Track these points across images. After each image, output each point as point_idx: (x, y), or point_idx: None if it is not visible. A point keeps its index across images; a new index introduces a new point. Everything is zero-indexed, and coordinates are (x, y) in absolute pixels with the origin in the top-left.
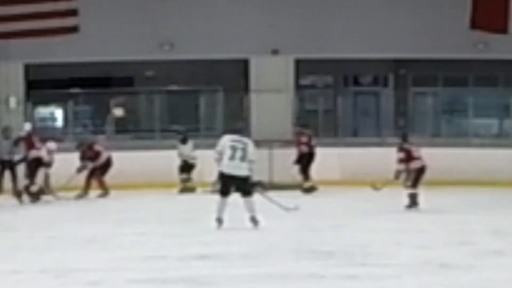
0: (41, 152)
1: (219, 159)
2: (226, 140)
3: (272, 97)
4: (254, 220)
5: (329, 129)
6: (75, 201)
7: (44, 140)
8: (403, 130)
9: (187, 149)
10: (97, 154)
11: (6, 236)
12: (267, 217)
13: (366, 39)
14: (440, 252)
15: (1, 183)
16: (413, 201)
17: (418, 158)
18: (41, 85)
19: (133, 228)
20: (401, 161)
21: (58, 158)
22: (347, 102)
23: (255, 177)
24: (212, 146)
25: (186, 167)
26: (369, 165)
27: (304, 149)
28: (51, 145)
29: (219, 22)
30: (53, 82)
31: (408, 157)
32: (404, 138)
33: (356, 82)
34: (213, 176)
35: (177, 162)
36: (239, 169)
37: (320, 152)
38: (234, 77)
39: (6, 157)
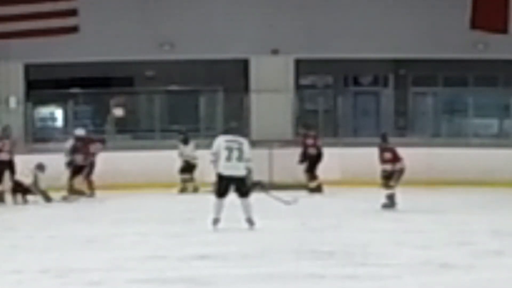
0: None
1: (215, 161)
2: (221, 141)
3: (272, 97)
4: (250, 221)
5: (329, 129)
6: (85, 201)
7: (87, 142)
8: (382, 131)
9: (189, 149)
10: (87, 154)
11: (6, 236)
12: (267, 217)
13: (366, 39)
14: (440, 252)
15: (1, 183)
16: (392, 201)
17: (401, 159)
18: (41, 85)
19: (133, 228)
20: (389, 161)
21: (58, 158)
22: (347, 102)
23: (255, 177)
24: (212, 146)
25: (188, 167)
26: (369, 165)
27: (312, 151)
28: (96, 146)
29: (219, 22)
30: (53, 82)
31: (395, 158)
32: (384, 139)
33: (356, 82)
34: (213, 176)
35: (178, 162)
36: (237, 170)
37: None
38: (234, 77)
39: (5, 157)
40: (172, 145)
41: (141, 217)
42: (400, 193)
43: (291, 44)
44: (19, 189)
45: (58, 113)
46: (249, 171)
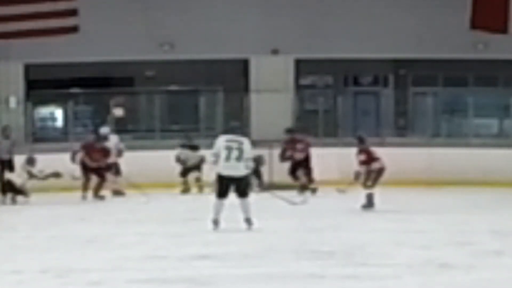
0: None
1: (215, 162)
2: (221, 141)
3: (272, 97)
4: (248, 222)
5: (329, 129)
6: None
7: (102, 140)
8: (358, 133)
9: (195, 157)
10: (106, 153)
11: (6, 236)
12: (267, 217)
13: (366, 39)
14: (440, 252)
15: (1, 182)
16: (370, 202)
17: (378, 159)
18: (41, 85)
19: (133, 228)
20: (362, 163)
21: (58, 158)
22: (347, 102)
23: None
24: (212, 146)
25: (188, 170)
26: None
27: (299, 156)
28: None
29: (219, 22)
30: (53, 82)
31: (369, 159)
32: (361, 141)
33: (356, 82)
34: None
35: (177, 167)
36: (237, 170)
37: (320, 152)
38: (234, 77)
39: (5, 156)
40: (172, 145)
41: (141, 217)
42: (400, 193)
43: (291, 44)
44: (8, 188)
45: (58, 113)
46: (256, 163)
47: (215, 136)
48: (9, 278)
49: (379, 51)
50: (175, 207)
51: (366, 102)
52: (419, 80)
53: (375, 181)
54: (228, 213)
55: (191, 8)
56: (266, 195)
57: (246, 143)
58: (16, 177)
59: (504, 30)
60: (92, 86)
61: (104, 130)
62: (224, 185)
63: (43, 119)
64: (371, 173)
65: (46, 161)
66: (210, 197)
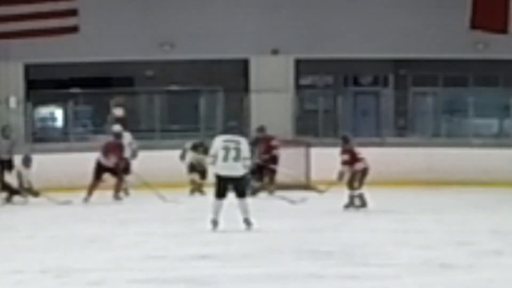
0: None
1: (214, 162)
2: (219, 141)
3: (272, 97)
4: (247, 222)
5: (329, 129)
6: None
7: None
8: (343, 133)
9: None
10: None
11: (6, 236)
12: (267, 217)
13: (366, 39)
14: (440, 252)
15: (1, 182)
16: (351, 202)
17: (361, 159)
18: (41, 85)
19: (133, 228)
20: (345, 163)
21: (59, 158)
22: (347, 102)
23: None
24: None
25: (197, 169)
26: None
27: (276, 152)
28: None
29: (219, 22)
30: (53, 82)
31: (352, 159)
32: (345, 141)
33: (356, 82)
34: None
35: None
36: (234, 170)
37: (320, 152)
38: (234, 77)
39: (5, 156)
40: (172, 145)
41: (141, 217)
42: (400, 193)
43: (291, 44)
44: (5, 188)
45: (58, 113)
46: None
47: (215, 136)
48: (9, 278)
49: (379, 51)
50: (175, 207)
51: (366, 102)
52: (419, 80)
53: (361, 182)
54: (228, 213)
55: (191, 8)
56: (264, 196)
57: (243, 143)
58: (12, 178)
59: (504, 30)
60: (92, 86)
61: (117, 127)
62: (222, 185)
63: (43, 119)
64: (356, 174)
65: (46, 161)
66: (210, 197)
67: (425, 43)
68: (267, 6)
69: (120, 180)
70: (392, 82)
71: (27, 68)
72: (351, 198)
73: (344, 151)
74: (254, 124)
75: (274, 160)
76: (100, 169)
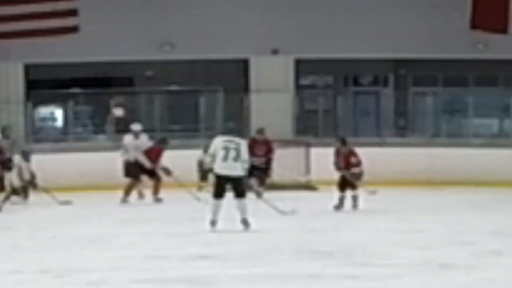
0: None
1: (212, 162)
2: (218, 142)
3: (272, 97)
4: (245, 223)
5: (329, 129)
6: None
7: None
8: (340, 134)
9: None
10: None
11: (6, 236)
12: (267, 217)
13: (366, 39)
14: (440, 252)
15: (1, 182)
16: (341, 203)
17: (358, 164)
18: (41, 85)
19: (133, 228)
20: (339, 168)
21: (58, 158)
22: (347, 102)
23: None
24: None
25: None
26: (369, 165)
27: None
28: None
29: (219, 22)
30: (53, 82)
31: (347, 164)
32: (343, 142)
33: (356, 82)
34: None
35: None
36: (234, 170)
37: (320, 152)
38: (234, 77)
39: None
40: (171, 145)
41: (141, 217)
42: (400, 193)
43: (291, 44)
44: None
45: (58, 113)
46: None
47: (215, 136)
48: (9, 278)
49: (379, 51)
50: (175, 207)
51: (366, 102)
52: (419, 80)
53: (353, 185)
54: (228, 213)
55: (191, 8)
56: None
57: (243, 144)
58: (14, 176)
59: (504, 30)
60: (92, 86)
61: (136, 126)
62: (220, 185)
63: (43, 119)
64: (353, 176)
65: (46, 161)
66: (210, 198)
67: (425, 43)
68: (267, 6)
69: (158, 181)
70: (392, 82)
71: (27, 68)
72: (340, 199)
73: (341, 155)
74: (254, 124)
75: (268, 163)
76: (138, 170)
